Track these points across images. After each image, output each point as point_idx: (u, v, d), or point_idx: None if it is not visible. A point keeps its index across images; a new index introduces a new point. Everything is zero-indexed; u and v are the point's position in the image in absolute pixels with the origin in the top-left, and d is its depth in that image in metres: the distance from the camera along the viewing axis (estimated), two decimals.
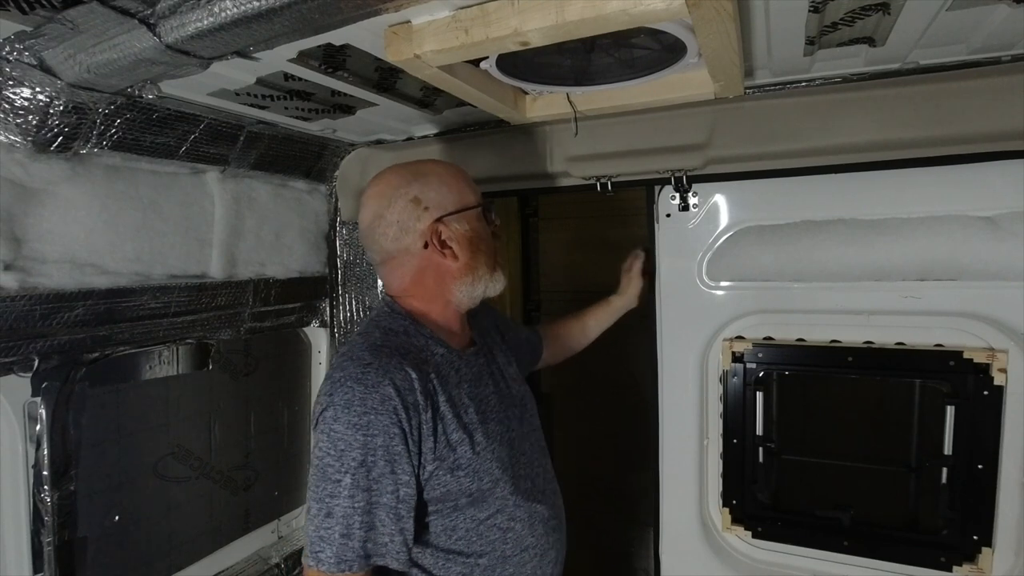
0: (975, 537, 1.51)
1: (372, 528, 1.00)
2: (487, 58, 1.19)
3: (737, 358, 1.70)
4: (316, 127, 1.67)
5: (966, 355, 1.48)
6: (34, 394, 1.30)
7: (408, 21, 1.01)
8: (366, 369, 1.03)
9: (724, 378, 1.73)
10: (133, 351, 1.52)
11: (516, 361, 1.47)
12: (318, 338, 2.13)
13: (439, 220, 1.16)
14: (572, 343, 1.80)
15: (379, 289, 2.12)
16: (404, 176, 1.18)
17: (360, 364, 1.05)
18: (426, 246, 1.16)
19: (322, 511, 0.99)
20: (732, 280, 1.66)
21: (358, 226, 1.22)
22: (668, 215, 1.70)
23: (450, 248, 1.17)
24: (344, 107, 1.48)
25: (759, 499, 1.74)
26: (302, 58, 1.13)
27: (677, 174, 1.58)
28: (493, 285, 1.23)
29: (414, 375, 1.05)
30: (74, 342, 1.35)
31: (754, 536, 1.74)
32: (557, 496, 1.31)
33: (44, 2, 0.91)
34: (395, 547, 1.02)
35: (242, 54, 1.06)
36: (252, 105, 1.40)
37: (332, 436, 1.00)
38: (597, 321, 1.79)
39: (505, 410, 1.24)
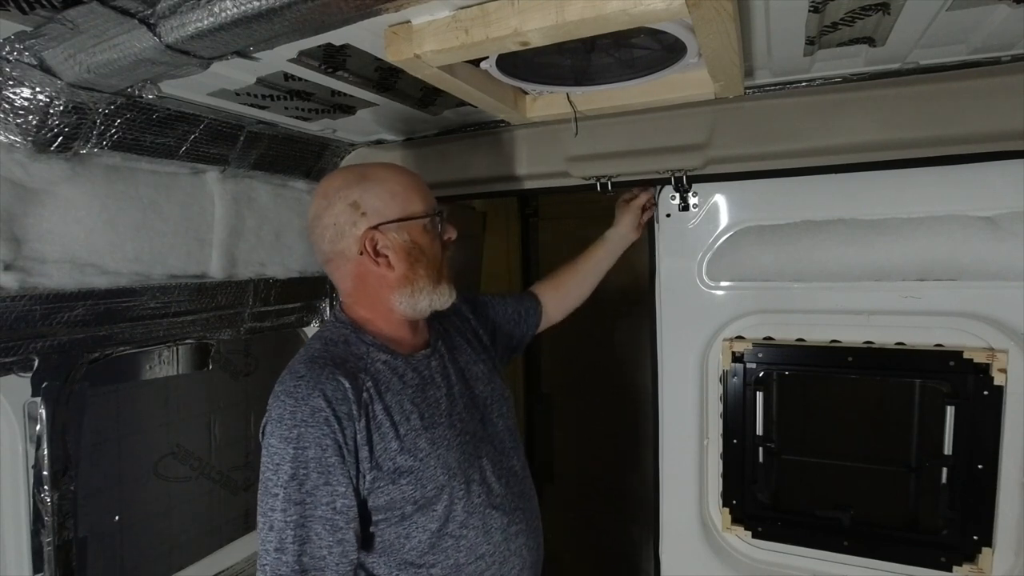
0: (975, 537, 1.51)
1: (307, 541, 0.99)
2: (487, 58, 1.19)
3: (737, 358, 1.70)
4: (316, 127, 1.67)
5: (966, 355, 1.48)
6: (34, 394, 1.30)
7: (408, 21, 1.01)
8: (298, 382, 1.04)
9: (724, 378, 1.73)
10: (133, 351, 1.52)
11: (508, 340, 1.49)
12: None
13: (376, 228, 1.13)
14: (573, 292, 1.73)
15: None
16: (348, 179, 1.17)
17: (294, 377, 1.05)
18: (361, 253, 1.13)
19: (265, 525, 1.00)
20: (732, 280, 1.66)
21: (310, 227, 1.21)
22: (668, 215, 1.70)
23: (385, 257, 1.14)
24: (344, 107, 1.48)
25: (759, 499, 1.74)
26: (302, 58, 1.13)
27: (677, 174, 1.58)
28: (438, 298, 1.19)
29: (347, 384, 1.04)
30: (74, 342, 1.35)
31: (754, 536, 1.74)
32: (525, 499, 1.26)
33: (44, 2, 0.91)
34: (334, 559, 1.01)
35: (242, 54, 1.06)
36: (252, 105, 1.40)
37: (269, 450, 1.01)
38: (595, 263, 1.72)
39: (461, 412, 1.20)
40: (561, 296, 1.72)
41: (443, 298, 1.20)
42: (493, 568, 1.16)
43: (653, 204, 1.73)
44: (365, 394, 1.06)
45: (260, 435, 1.07)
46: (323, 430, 1.01)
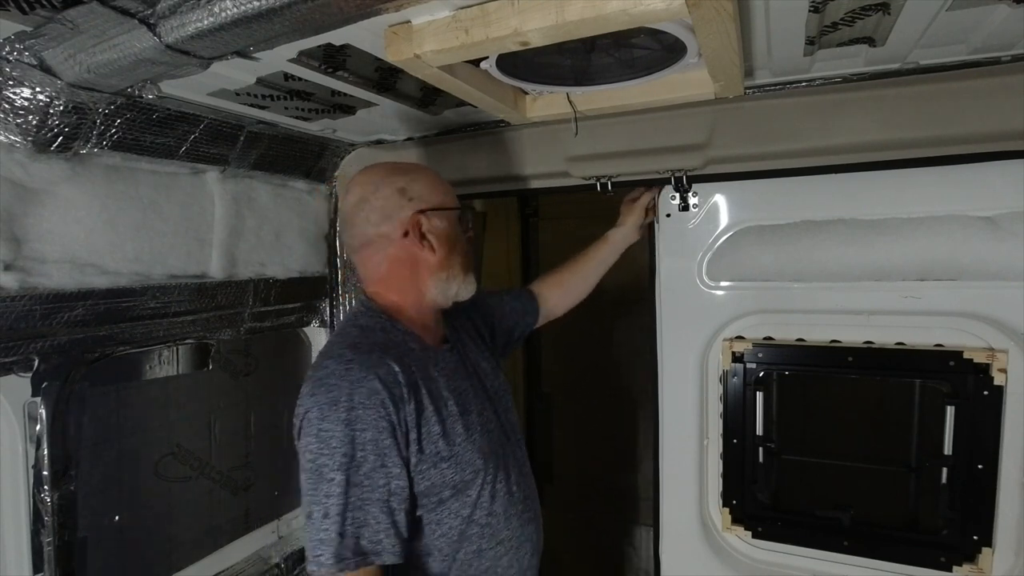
0: (975, 537, 1.51)
1: (365, 525, 1.00)
2: (487, 58, 1.19)
3: (737, 358, 1.70)
4: (316, 127, 1.67)
5: (966, 355, 1.48)
6: (34, 394, 1.30)
7: (408, 21, 1.01)
8: (349, 365, 1.04)
9: (724, 378, 1.73)
10: (133, 351, 1.52)
11: (507, 335, 1.52)
12: (318, 338, 2.13)
13: (421, 212, 1.18)
14: (574, 290, 1.74)
15: None
16: (392, 169, 1.23)
17: (342, 361, 1.05)
18: (406, 235, 1.18)
19: (319, 512, 0.99)
20: (732, 280, 1.66)
21: (341, 210, 1.23)
22: (668, 215, 1.70)
23: (428, 241, 1.19)
24: (344, 107, 1.48)
25: (759, 499, 1.74)
26: (302, 58, 1.13)
27: (677, 174, 1.58)
28: (465, 288, 1.25)
29: (397, 368, 1.06)
30: (74, 342, 1.35)
31: (754, 536, 1.74)
32: (532, 490, 1.33)
33: (44, 2, 0.91)
34: (390, 543, 1.02)
35: (242, 54, 1.06)
36: (252, 105, 1.40)
37: (321, 435, 1.00)
38: (597, 261, 1.72)
39: (481, 403, 1.25)
40: (562, 293, 1.73)
41: (469, 288, 1.26)
42: (510, 553, 1.20)
43: (655, 204, 1.73)
44: (412, 377, 1.08)
45: (298, 424, 1.05)
46: (379, 412, 1.01)
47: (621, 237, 1.73)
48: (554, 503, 3.05)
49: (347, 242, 1.25)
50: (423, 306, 1.23)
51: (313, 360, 1.18)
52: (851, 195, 1.49)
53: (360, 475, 1.00)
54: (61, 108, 1.15)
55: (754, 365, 1.69)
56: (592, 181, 1.68)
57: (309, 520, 1.00)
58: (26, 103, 1.11)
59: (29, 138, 1.17)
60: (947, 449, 1.54)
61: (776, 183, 1.54)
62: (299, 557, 2.00)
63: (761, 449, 1.73)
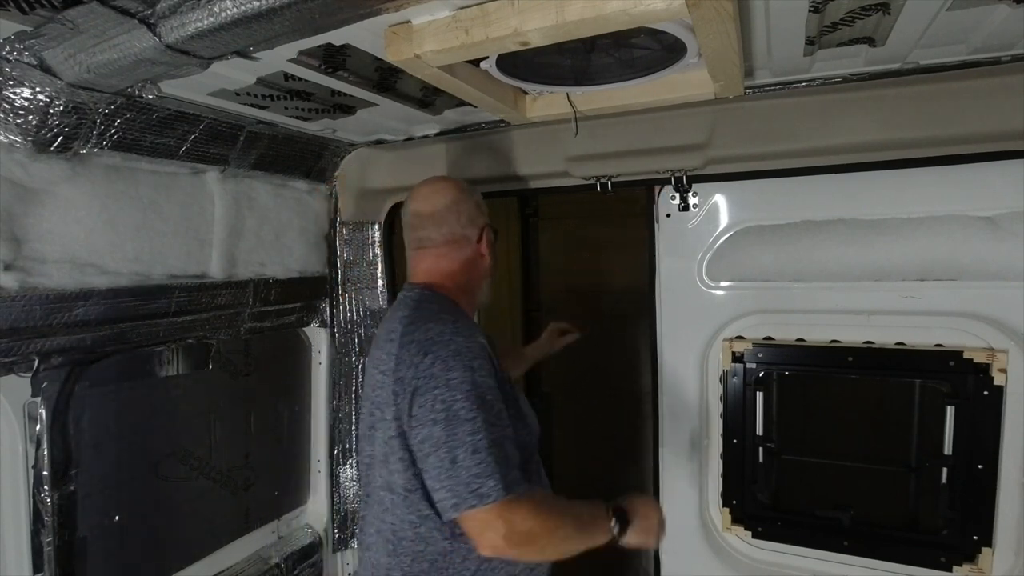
0: (975, 537, 1.51)
1: (512, 457, 1.07)
2: (487, 58, 1.19)
3: (737, 358, 1.70)
4: (316, 127, 1.67)
5: (966, 355, 1.48)
6: (34, 394, 1.30)
7: (408, 21, 1.01)
8: (456, 325, 1.16)
9: (724, 378, 1.73)
10: (133, 351, 1.52)
11: None
12: (318, 338, 2.13)
13: (488, 225, 1.38)
14: None
15: (379, 288, 2.12)
16: (466, 185, 1.41)
17: (446, 323, 1.16)
18: (478, 241, 1.35)
19: (467, 451, 1.03)
20: (732, 280, 1.66)
21: (422, 210, 1.33)
22: (668, 215, 1.70)
23: (486, 249, 1.37)
24: (344, 107, 1.48)
25: (759, 499, 1.74)
26: (302, 58, 1.13)
27: (677, 174, 1.58)
28: (487, 297, 1.42)
29: (485, 336, 1.19)
30: (74, 342, 1.35)
31: (754, 536, 1.74)
32: None
33: (44, 2, 0.91)
34: (520, 473, 1.08)
35: (242, 54, 1.06)
36: (252, 105, 1.40)
37: (451, 383, 1.07)
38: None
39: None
40: None
41: (489, 298, 1.43)
42: None
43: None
44: (494, 350, 1.21)
45: (412, 384, 1.10)
46: (490, 365, 1.13)
47: (529, 354, 1.92)
48: None
49: (428, 235, 1.33)
50: (472, 305, 1.36)
51: (384, 333, 1.25)
52: (851, 195, 1.49)
53: (493, 415, 1.07)
54: (61, 108, 1.14)
55: (754, 365, 1.69)
56: (592, 181, 1.68)
57: (454, 464, 1.03)
58: (26, 103, 1.11)
59: (29, 138, 1.16)
60: (947, 449, 1.54)
61: (776, 183, 1.54)
62: (299, 557, 2.00)
63: (761, 449, 1.73)
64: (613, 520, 1.18)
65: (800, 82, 1.38)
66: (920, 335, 1.53)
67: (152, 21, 0.93)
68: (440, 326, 1.14)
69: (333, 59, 1.16)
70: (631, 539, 1.21)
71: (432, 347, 1.10)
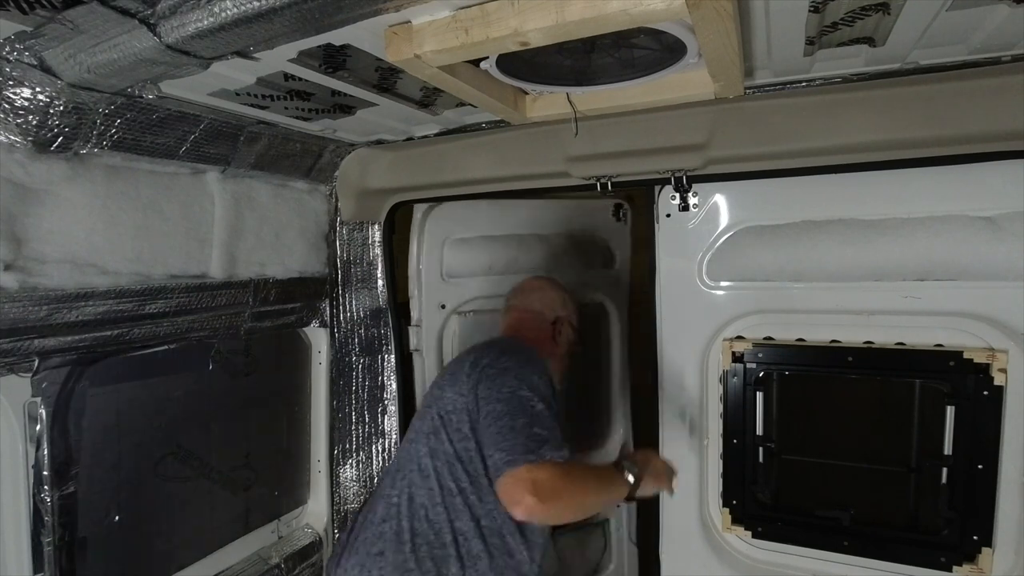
0: (975, 537, 1.51)
1: (560, 437, 1.23)
2: (487, 58, 1.19)
3: (737, 358, 1.70)
4: (316, 127, 1.67)
5: (966, 355, 1.48)
6: (34, 394, 1.30)
7: (408, 21, 1.01)
8: (530, 354, 1.42)
9: (724, 378, 1.73)
10: (133, 351, 1.52)
11: None
12: (318, 338, 2.13)
13: (566, 320, 1.67)
14: None
15: (379, 288, 2.13)
16: (566, 289, 1.75)
17: (523, 350, 1.43)
18: (553, 324, 1.65)
19: (527, 425, 1.21)
20: (732, 280, 1.66)
21: (524, 285, 1.74)
22: (668, 215, 1.70)
23: (560, 338, 1.64)
24: (344, 107, 1.48)
25: (759, 499, 1.74)
26: (302, 58, 1.13)
27: (677, 174, 1.58)
28: (558, 381, 1.56)
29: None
30: (74, 342, 1.35)
31: (754, 536, 1.74)
32: None
33: (44, 2, 0.91)
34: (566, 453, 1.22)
35: (242, 54, 1.06)
36: (252, 105, 1.40)
37: (521, 376, 1.30)
38: None
39: None
40: None
41: (559, 383, 1.58)
42: None
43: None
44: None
45: (479, 373, 1.32)
46: (548, 390, 1.32)
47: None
48: None
49: (516, 302, 1.70)
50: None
51: (485, 346, 1.48)
52: (851, 195, 1.49)
53: (552, 409, 1.27)
54: (61, 108, 1.15)
55: (754, 365, 1.69)
56: (592, 181, 1.67)
57: (512, 429, 1.21)
58: (26, 103, 1.11)
59: (29, 138, 1.17)
60: (947, 449, 1.54)
61: (776, 183, 1.54)
62: (299, 557, 2.00)
63: (761, 449, 1.73)
64: (627, 473, 1.31)
65: (800, 82, 1.38)
66: (920, 335, 1.53)
67: (152, 21, 0.93)
68: (519, 355, 1.39)
69: (333, 59, 1.16)
70: (646, 487, 1.34)
71: (509, 355, 1.37)
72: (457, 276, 2.19)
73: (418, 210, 2.13)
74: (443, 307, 2.18)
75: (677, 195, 1.66)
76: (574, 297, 1.75)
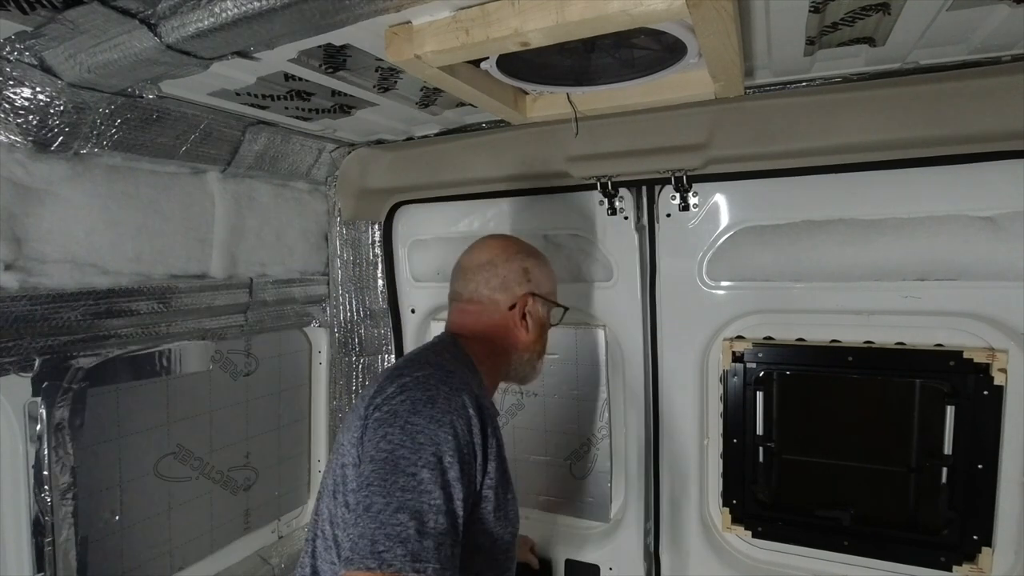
0: (975, 537, 1.51)
1: (445, 532, 0.90)
2: (487, 58, 1.19)
3: (737, 358, 1.70)
4: (316, 127, 1.67)
5: (966, 355, 1.48)
6: (34, 394, 1.30)
7: (408, 21, 1.01)
8: (449, 375, 1.05)
9: (724, 378, 1.73)
10: (133, 351, 1.52)
11: None
12: (318, 338, 2.13)
13: (532, 295, 1.28)
14: None
15: (379, 288, 2.12)
16: (524, 248, 1.33)
17: (441, 369, 1.06)
18: (511, 308, 1.26)
19: (390, 505, 0.89)
20: (732, 280, 1.66)
21: (462, 262, 1.32)
22: (668, 215, 1.69)
23: (526, 322, 1.27)
24: (344, 107, 1.48)
25: (759, 499, 1.74)
26: (302, 58, 1.13)
27: (677, 174, 1.58)
28: (532, 374, 1.33)
29: (485, 403, 1.07)
30: (74, 342, 1.35)
31: (754, 536, 1.74)
32: None
33: (44, 2, 0.91)
34: (454, 563, 0.91)
35: (242, 54, 1.06)
36: (252, 105, 1.40)
37: (407, 428, 0.95)
38: None
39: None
40: None
41: (532, 378, 1.35)
42: None
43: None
44: (492, 418, 1.09)
45: (369, 415, 1.01)
46: (468, 427, 0.99)
47: None
48: None
49: (455, 288, 1.31)
50: (496, 374, 1.28)
51: (398, 363, 1.15)
52: (851, 195, 1.49)
53: (446, 480, 0.93)
54: (61, 108, 1.15)
55: (754, 365, 1.70)
56: (592, 181, 1.67)
57: (367, 512, 0.89)
58: (26, 103, 1.11)
59: (29, 138, 1.17)
60: (947, 449, 1.54)
61: (776, 183, 1.54)
62: (299, 557, 2.00)
63: (761, 449, 1.73)
64: None
65: (800, 82, 1.38)
66: (920, 335, 1.53)
67: (153, 21, 0.93)
68: (434, 369, 1.05)
69: (333, 59, 1.16)
70: None
71: (413, 385, 1.01)
72: (421, 280, 2.11)
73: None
74: (413, 311, 2.14)
75: (677, 195, 1.66)
76: (540, 257, 1.35)
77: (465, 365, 1.16)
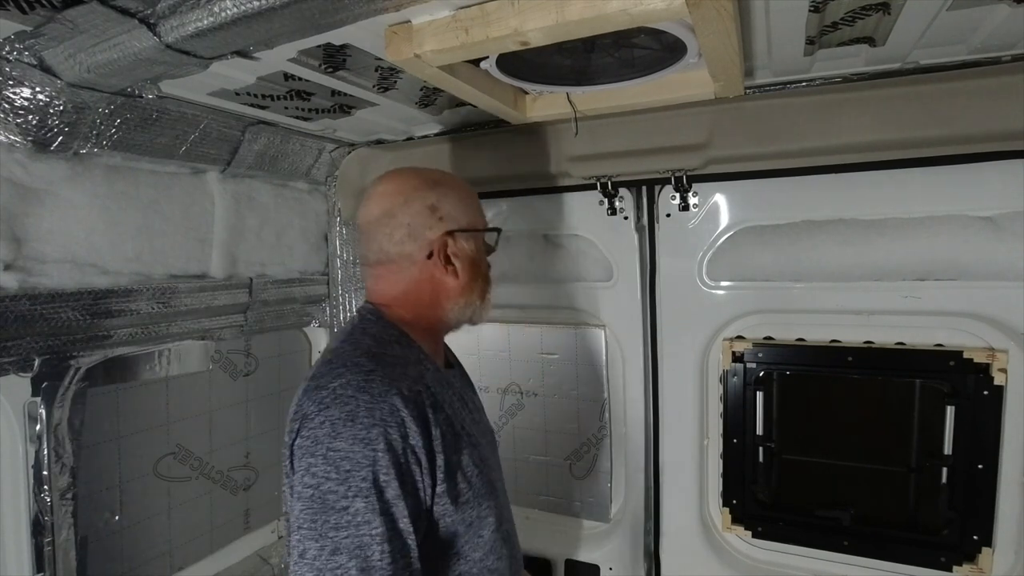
0: (975, 537, 1.51)
1: (400, 556, 0.85)
2: (487, 58, 1.19)
3: (737, 358, 1.70)
4: (316, 127, 1.67)
5: (966, 355, 1.48)
6: (34, 394, 1.30)
7: (408, 21, 1.01)
8: (369, 377, 0.90)
9: (724, 378, 1.73)
10: (133, 351, 1.52)
11: None
12: (318, 338, 2.13)
13: (450, 233, 1.08)
14: None
15: None
16: (424, 179, 1.10)
17: (360, 371, 0.91)
18: (430, 256, 1.07)
19: (325, 549, 0.82)
20: (732, 280, 1.66)
21: (359, 221, 1.12)
22: (668, 215, 1.69)
23: (453, 265, 1.08)
24: (344, 107, 1.48)
25: (759, 499, 1.74)
26: (302, 58, 1.13)
27: (677, 174, 1.58)
28: (481, 313, 1.15)
29: (419, 387, 0.95)
30: (74, 342, 1.35)
31: (754, 536, 1.74)
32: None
33: (44, 2, 0.91)
34: None
35: (242, 54, 1.06)
36: (252, 105, 1.40)
37: (330, 456, 0.84)
38: None
39: (484, 435, 1.14)
40: None
41: (485, 314, 1.16)
42: None
43: None
44: (433, 399, 0.97)
45: (292, 441, 0.91)
46: (402, 432, 0.88)
47: None
48: None
49: (362, 254, 1.13)
50: (435, 328, 1.13)
51: (314, 365, 1.02)
52: (851, 195, 1.49)
53: (383, 502, 0.84)
54: (61, 108, 1.15)
55: (754, 365, 1.69)
56: (592, 181, 1.67)
57: (303, 559, 0.83)
58: (26, 103, 1.11)
59: (29, 138, 1.17)
60: (947, 449, 1.54)
61: (776, 183, 1.54)
62: None
63: (761, 449, 1.73)
64: None
65: (800, 82, 1.38)
66: (920, 335, 1.53)
67: (152, 21, 0.93)
68: (351, 375, 0.90)
69: (333, 59, 1.16)
70: None
71: (328, 401, 0.88)
72: None
73: None
74: None
75: (677, 195, 1.66)
76: (446, 182, 1.12)
77: (394, 342, 1.03)
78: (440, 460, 0.93)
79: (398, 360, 0.98)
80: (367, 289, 1.13)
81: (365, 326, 1.06)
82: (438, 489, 0.93)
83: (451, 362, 1.23)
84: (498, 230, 1.19)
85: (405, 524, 0.86)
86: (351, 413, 0.86)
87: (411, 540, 0.86)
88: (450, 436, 0.97)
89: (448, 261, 1.08)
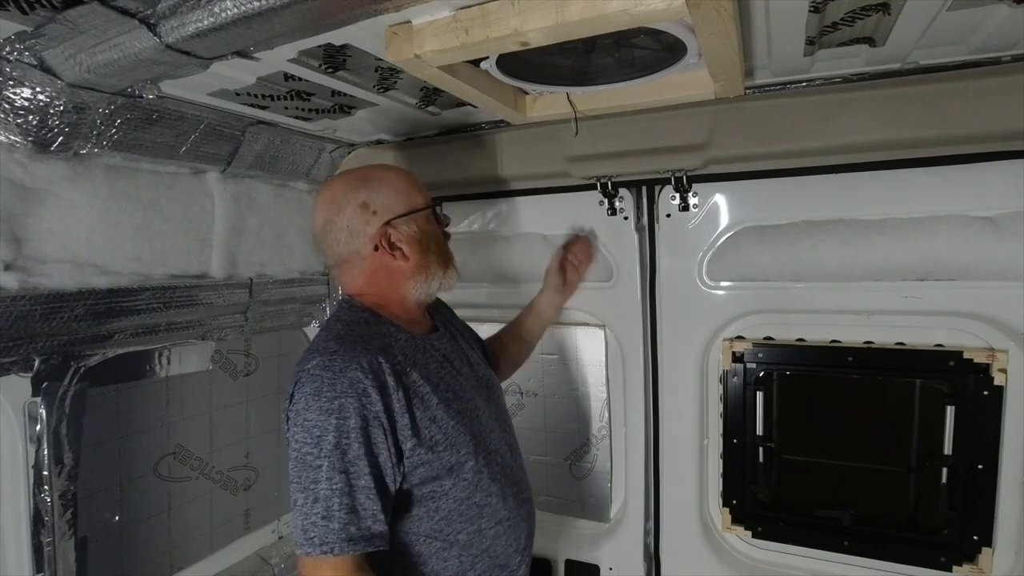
0: (975, 537, 1.51)
1: (353, 511, 1.01)
2: (487, 58, 1.19)
3: (737, 358, 1.70)
4: (316, 127, 1.67)
5: (966, 355, 1.48)
6: (34, 394, 1.31)
7: (408, 21, 1.01)
8: (332, 357, 1.06)
9: (724, 378, 1.73)
10: (133, 351, 1.52)
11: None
12: None
13: (388, 223, 1.20)
14: (516, 355, 1.71)
15: None
16: (352, 182, 1.22)
17: (326, 354, 1.07)
18: (376, 249, 1.20)
19: (308, 499, 1.01)
20: (732, 280, 1.66)
21: (311, 233, 1.27)
22: (668, 215, 1.70)
23: (400, 249, 1.21)
24: (344, 107, 1.49)
25: (759, 499, 1.74)
26: (302, 58, 1.13)
27: (677, 174, 1.58)
28: (447, 281, 1.28)
29: (381, 358, 1.08)
30: (74, 342, 1.35)
31: (754, 536, 1.74)
32: (524, 472, 1.36)
33: (44, 2, 0.91)
34: (378, 527, 1.03)
35: (242, 54, 1.06)
36: (252, 105, 1.40)
37: (306, 425, 1.03)
38: (529, 327, 1.70)
39: (473, 387, 1.27)
40: (506, 359, 1.67)
41: (452, 280, 1.30)
42: (508, 532, 1.23)
43: (588, 254, 1.71)
44: (398, 366, 1.10)
45: (286, 414, 1.09)
46: (362, 400, 1.03)
47: (546, 302, 1.69)
48: None
49: (324, 259, 1.30)
50: (407, 304, 1.26)
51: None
52: (851, 195, 1.49)
53: (345, 462, 1.01)
54: (61, 108, 1.15)
55: (754, 365, 1.70)
56: (592, 181, 1.68)
57: (296, 507, 1.03)
58: (26, 103, 1.11)
59: (29, 138, 1.17)
60: (947, 449, 1.54)
61: (776, 183, 1.54)
62: None
63: (761, 449, 1.73)
64: None
65: (800, 82, 1.38)
66: (920, 335, 1.53)
67: (152, 21, 0.93)
68: (319, 357, 1.06)
69: (333, 59, 1.16)
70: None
71: (302, 380, 1.06)
72: None
73: None
74: None
75: (677, 195, 1.66)
76: (373, 176, 1.23)
77: (363, 323, 1.17)
78: (406, 419, 1.07)
79: (363, 338, 1.12)
80: (339, 284, 1.30)
81: (339, 314, 1.22)
82: (409, 443, 1.08)
83: (437, 326, 1.33)
84: (433, 207, 1.29)
85: (367, 481, 1.02)
86: (317, 389, 1.04)
87: (369, 496, 1.03)
88: (421, 394, 1.12)
89: (394, 247, 1.20)
